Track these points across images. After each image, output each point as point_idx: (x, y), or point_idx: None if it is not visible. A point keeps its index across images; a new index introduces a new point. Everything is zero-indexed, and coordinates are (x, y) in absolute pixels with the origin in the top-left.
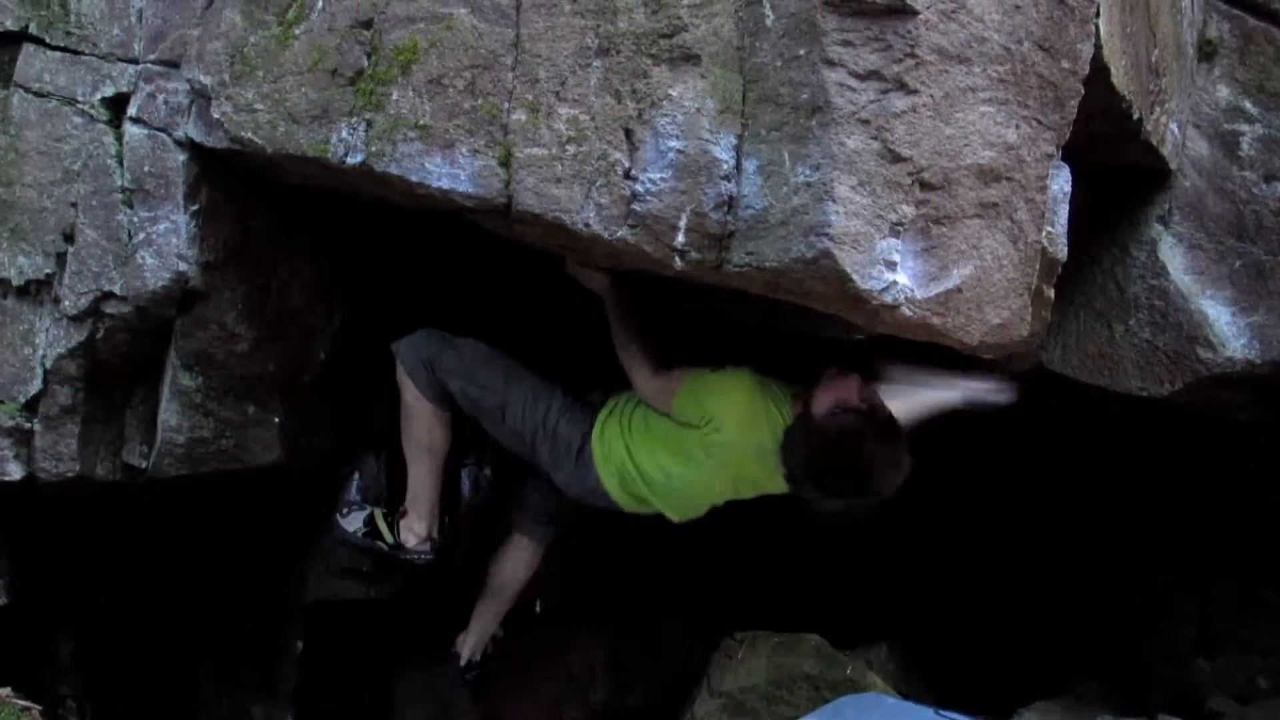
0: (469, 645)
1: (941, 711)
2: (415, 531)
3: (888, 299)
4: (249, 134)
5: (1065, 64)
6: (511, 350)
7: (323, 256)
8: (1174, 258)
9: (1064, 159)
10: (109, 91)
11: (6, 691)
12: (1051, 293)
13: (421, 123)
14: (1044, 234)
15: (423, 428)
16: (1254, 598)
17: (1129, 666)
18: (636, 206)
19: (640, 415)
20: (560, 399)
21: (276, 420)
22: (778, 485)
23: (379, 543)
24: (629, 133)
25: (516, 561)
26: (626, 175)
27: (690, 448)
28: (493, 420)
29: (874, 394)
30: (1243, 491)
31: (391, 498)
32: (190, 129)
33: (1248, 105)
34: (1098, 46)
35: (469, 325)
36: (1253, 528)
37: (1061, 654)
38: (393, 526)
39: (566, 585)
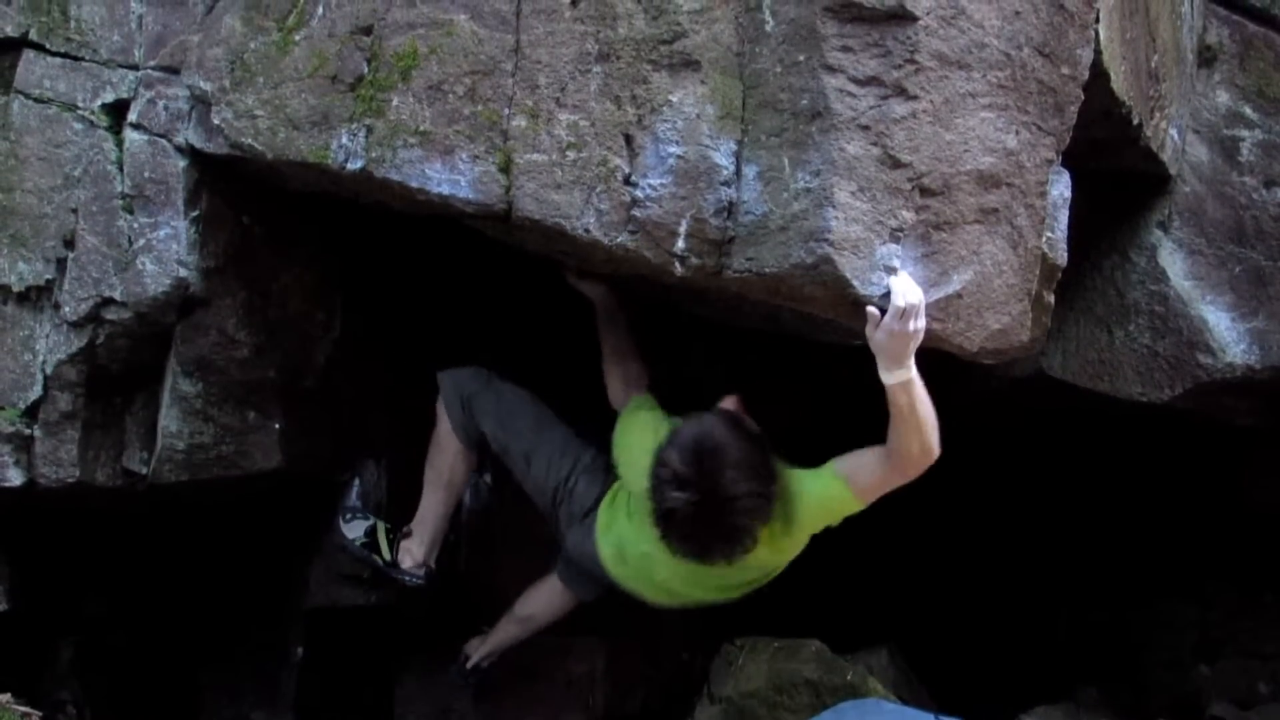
0: (480, 652)
1: (942, 717)
2: (413, 555)
3: (873, 307)
4: (249, 140)
5: (1065, 70)
6: (542, 379)
7: (323, 262)
8: (1174, 263)
9: (1064, 164)
10: (109, 98)
11: (6, 697)
12: (1052, 298)
13: (422, 129)
14: (1044, 239)
15: (446, 462)
16: (1254, 602)
17: (1129, 672)
18: (636, 212)
19: None
20: (587, 458)
21: (277, 426)
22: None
23: (375, 556)
24: (629, 138)
25: (550, 603)
26: (626, 181)
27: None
28: (520, 469)
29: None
30: (1245, 496)
31: (391, 506)
32: (191, 135)
33: (1247, 111)
34: (1097, 52)
35: (471, 331)
36: (1252, 533)
37: (1061, 660)
38: (393, 544)
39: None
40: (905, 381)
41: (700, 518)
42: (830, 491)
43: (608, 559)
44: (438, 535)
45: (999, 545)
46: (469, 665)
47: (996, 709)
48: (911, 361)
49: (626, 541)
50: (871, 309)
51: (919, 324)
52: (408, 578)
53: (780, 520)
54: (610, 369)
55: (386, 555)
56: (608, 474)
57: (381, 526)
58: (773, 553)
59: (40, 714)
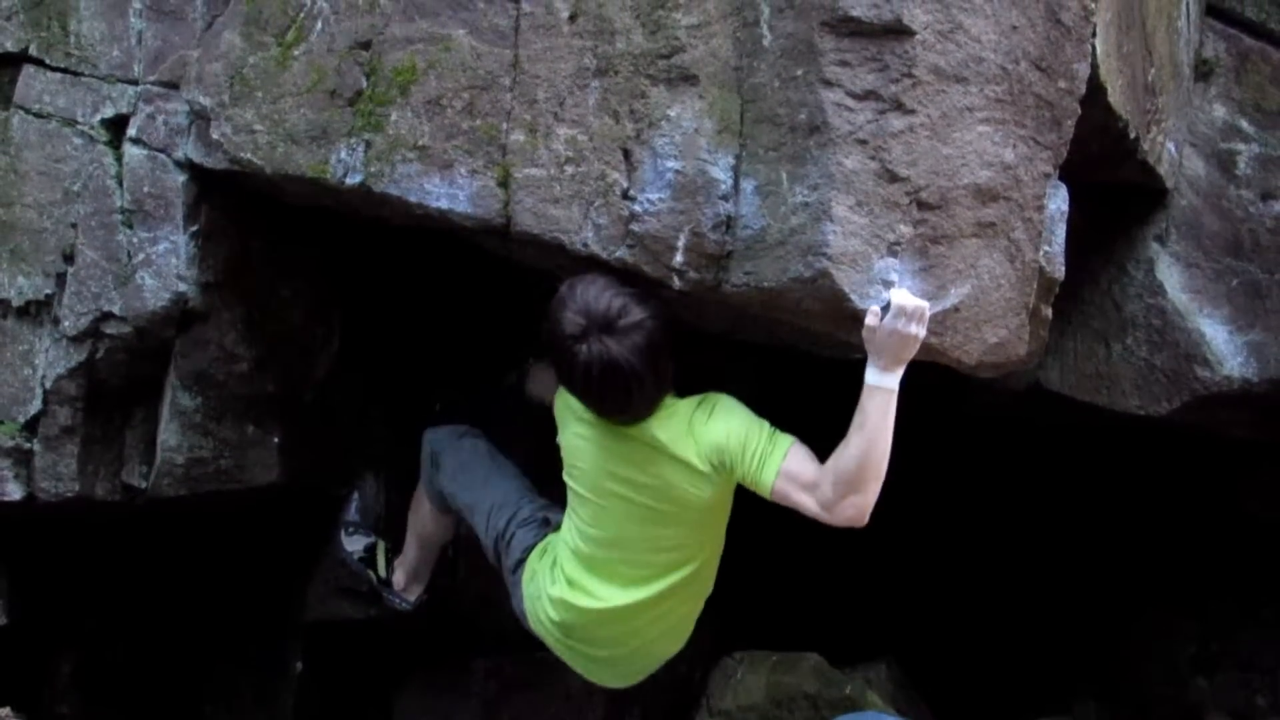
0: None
1: None
2: (405, 577)
3: (871, 315)
4: (248, 155)
5: (1062, 84)
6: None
7: (322, 277)
8: (1171, 276)
9: (1061, 178)
10: (109, 113)
11: (6, 711)
12: (1049, 312)
13: (420, 143)
14: (1041, 253)
15: (421, 517)
16: (1252, 616)
17: (1128, 685)
18: (635, 227)
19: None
20: (526, 511)
21: (275, 440)
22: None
23: (370, 572)
24: (627, 153)
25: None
26: (625, 195)
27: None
28: (472, 525)
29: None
30: (1243, 509)
31: (390, 520)
32: (190, 150)
33: (1244, 124)
34: (1094, 66)
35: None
36: (1250, 546)
37: (1060, 673)
38: (389, 563)
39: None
40: (888, 391)
41: (600, 352)
42: (758, 440)
43: (528, 611)
44: (419, 574)
45: (998, 558)
46: (411, 597)
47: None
48: (901, 371)
49: (542, 589)
50: (874, 307)
51: (920, 330)
52: (397, 600)
53: (687, 412)
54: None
55: (382, 573)
56: (544, 527)
57: (382, 545)
58: (680, 446)
59: None
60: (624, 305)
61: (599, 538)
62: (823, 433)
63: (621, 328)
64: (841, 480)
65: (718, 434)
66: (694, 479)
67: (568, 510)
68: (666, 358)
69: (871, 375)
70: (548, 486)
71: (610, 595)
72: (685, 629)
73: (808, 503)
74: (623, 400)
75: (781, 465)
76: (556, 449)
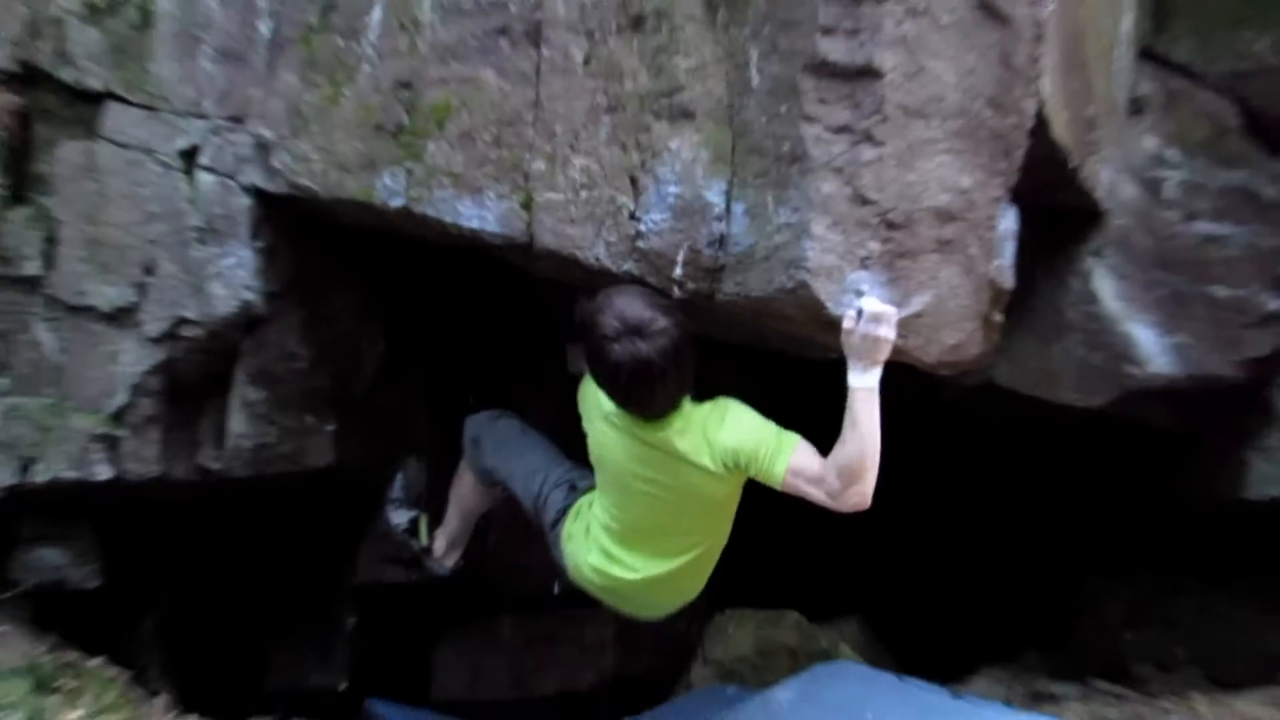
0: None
1: (904, 677)
2: (441, 548)
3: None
4: (305, 181)
5: (1012, 119)
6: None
7: (370, 288)
8: (1105, 286)
9: (1011, 201)
10: (183, 143)
11: (98, 661)
12: (1000, 318)
13: (454, 171)
14: (993, 266)
15: (463, 491)
16: (1174, 582)
17: (1066, 639)
18: (640, 244)
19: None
20: (556, 474)
21: (330, 429)
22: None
23: (413, 540)
24: (634, 180)
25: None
26: (631, 216)
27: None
28: (513, 490)
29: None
30: (1168, 490)
31: (430, 498)
32: (254, 176)
33: (1171, 154)
34: (1041, 104)
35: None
36: (1173, 523)
37: (1008, 629)
38: (430, 534)
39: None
40: (869, 389)
41: (631, 351)
42: (767, 441)
43: (569, 567)
44: (459, 541)
45: (956, 530)
46: (449, 564)
47: (950, 671)
48: (879, 371)
49: (583, 552)
50: (849, 312)
51: (889, 333)
52: (436, 566)
53: (701, 420)
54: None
55: (424, 542)
56: (572, 491)
57: (423, 518)
58: (697, 454)
59: (128, 675)
60: (654, 314)
61: (627, 520)
62: (812, 427)
63: (652, 332)
64: (844, 473)
65: (731, 438)
66: (711, 480)
67: (598, 488)
68: (689, 361)
69: (853, 378)
70: (572, 452)
71: (641, 567)
72: (703, 583)
73: (816, 494)
74: (649, 396)
75: (790, 462)
76: (576, 421)
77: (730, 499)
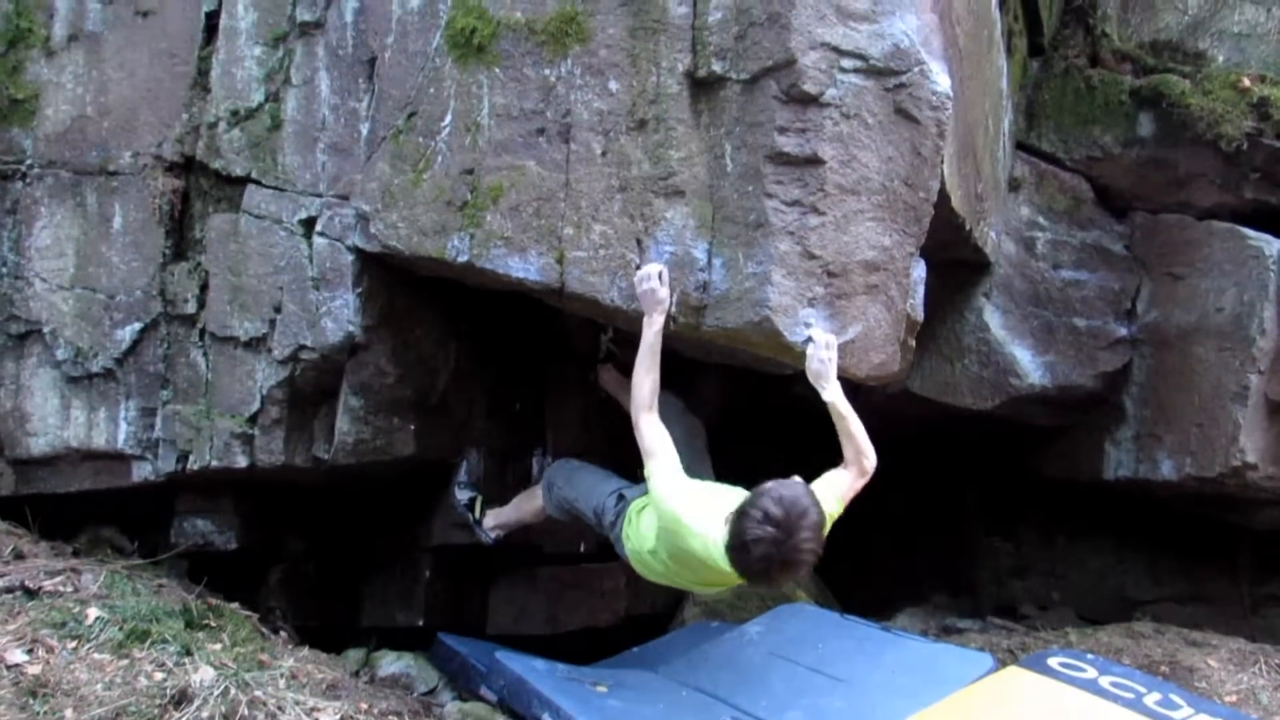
0: (494, 523)
1: (846, 615)
2: (492, 521)
3: (806, 348)
4: (394, 243)
5: (921, 194)
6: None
7: (442, 320)
8: (993, 319)
9: (921, 255)
10: (303, 215)
11: (235, 606)
12: (914, 343)
13: (506, 235)
14: (909, 305)
15: (529, 504)
16: (1049, 540)
17: (968, 585)
18: None
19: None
20: (609, 490)
21: (412, 428)
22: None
23: (470, 514)
24: (639, 241)
25: (535, 507)
26: (637, 269)
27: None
28: (580, 511)
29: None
30: (1043, 470)
31: (487, 481)
32: (356, 239)
33: (1041, 219)
34: (943, 183)
35: (534, 363)
36: (1049, 494)
37: (921, 578)
38: (484, 510)
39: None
40: (836, 398)
41: (770, 556)
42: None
43: (631, 558)
44: (504, 524)
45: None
46: (493, 534)
47: (879, 610)
48: (836, 384)
49: (640, 547)
50: (808, 349)
51: (832, 354)
52: (484, 535)
53: None
54: (638, 384)
55: (478, 516)
56: (620, 501)
57: (480, 498)
58: None
59: (257, 616)
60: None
61: (670, 567)
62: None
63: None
64: (860, 456)
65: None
66: None
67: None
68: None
69: (826, 395)
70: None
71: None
72: None
73: (859, 486)
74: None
75: (835, 499)
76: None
77: None
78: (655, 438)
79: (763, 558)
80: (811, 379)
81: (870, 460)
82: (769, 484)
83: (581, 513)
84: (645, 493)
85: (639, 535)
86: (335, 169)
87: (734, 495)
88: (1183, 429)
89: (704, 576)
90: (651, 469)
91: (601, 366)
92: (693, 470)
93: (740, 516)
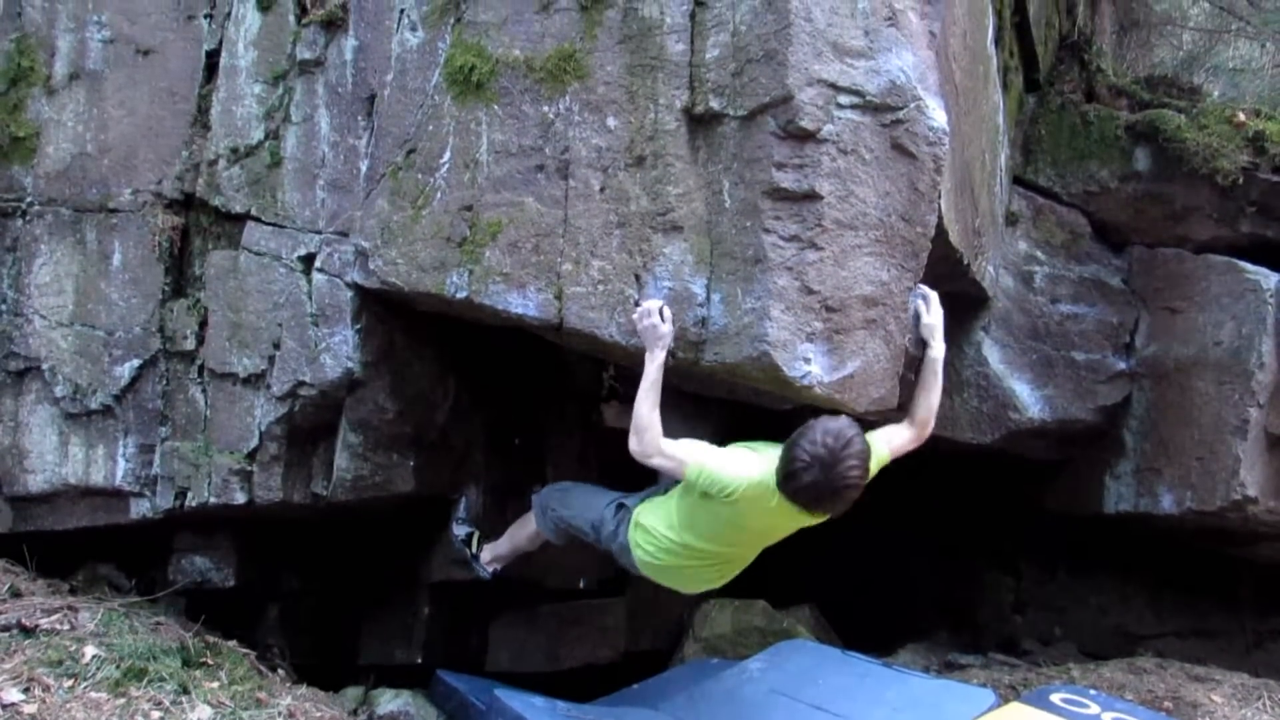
0: (490, 557)
1: (847, 652)
2: (489, 555)
3: (805, 383)
4: (393, 279)
5: (919, 229)
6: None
7: (441, 357)
8: (992, 353)
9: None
10: (302, 252)
11: (232, 643)
12: (912, 377)
13: (504, 271)
14: (907, 339)
15: (522, 532)
16: (1051, 575)
17: (969, 621)
18: None
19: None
20: (606, 503)
21: (411, 464)
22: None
23: (467, 549)
24: (637, 277)
25: (531, 535)
26: (636, 304)
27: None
28: (576, 528)
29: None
30: (1044, 503)
31: (485, 516)
32: (355, 276)
33: (1039, 254)
34: (940, 217)
35: (533, 400)
36: (1049, 528)
37: (923, 614)
38: (480, 546)
39: (600, 568)
40: (941, 354)
41: (818, 482)
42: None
43: (640, 562)
44: (501, 558)
45: (885, 537)
46: (490, 569)
47: (881, 646)
48: (943, 342)
49: (650, 550)
50: (919, 305)
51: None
52: (481, 570)
53: None
54: (642, 416)
55: (475, 551)
56: (620, 510)
57: (476, 534)
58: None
59: (255, 653)
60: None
61: (695, 550)
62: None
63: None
64: (928, 418)
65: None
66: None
67: (681, 526)
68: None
69: (933, 352)
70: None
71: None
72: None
73: (910, 448)
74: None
75: (885, 444)
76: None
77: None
78: (679, 447)
79: (811, 484)
80: (924, 334)
81: (929, 428)
82: (817, 419)
83: (579, 530)
84: (646, 499)
85: (648, 537)
86: (335, 206)
87: (776, 450)
88: (1183, 462)
89: (736, 537)
90: (689, 462)
91: (605, 405)
92: (615, 495)
93: (790, 446)
